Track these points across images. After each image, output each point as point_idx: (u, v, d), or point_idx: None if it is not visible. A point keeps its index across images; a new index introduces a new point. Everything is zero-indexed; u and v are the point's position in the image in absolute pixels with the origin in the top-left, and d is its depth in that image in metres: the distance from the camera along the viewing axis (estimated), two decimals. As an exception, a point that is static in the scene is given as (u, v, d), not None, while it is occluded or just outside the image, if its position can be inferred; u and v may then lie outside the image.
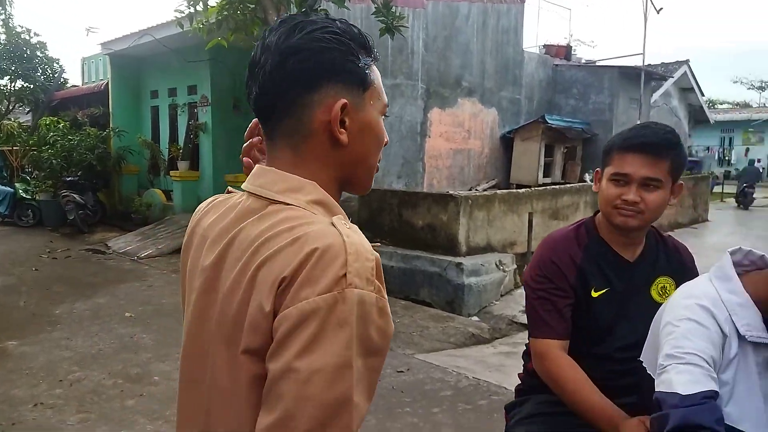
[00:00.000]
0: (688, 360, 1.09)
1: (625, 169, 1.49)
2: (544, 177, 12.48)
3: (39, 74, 16.00)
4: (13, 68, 15.47)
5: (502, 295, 6.69)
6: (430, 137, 10.91)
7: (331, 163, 0.89)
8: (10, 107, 16.58)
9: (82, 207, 11.11)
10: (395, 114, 10.09)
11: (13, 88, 16.05)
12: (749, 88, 41.52)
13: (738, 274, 1.21)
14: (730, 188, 23.13)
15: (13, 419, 3.37)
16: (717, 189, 19.51)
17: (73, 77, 18.17)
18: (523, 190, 7.87)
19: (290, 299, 0.73)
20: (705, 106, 19.68)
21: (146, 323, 5.38)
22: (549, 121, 12.17)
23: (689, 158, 25.23)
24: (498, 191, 7.39)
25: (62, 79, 16.67)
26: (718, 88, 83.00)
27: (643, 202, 1.48)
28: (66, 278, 7.21)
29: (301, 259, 0.75)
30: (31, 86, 15.74)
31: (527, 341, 1.64)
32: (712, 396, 1.03)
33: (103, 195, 12.92)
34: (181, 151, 11.79)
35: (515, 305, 6.29)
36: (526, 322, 1.56)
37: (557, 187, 8.42)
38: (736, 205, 17.26)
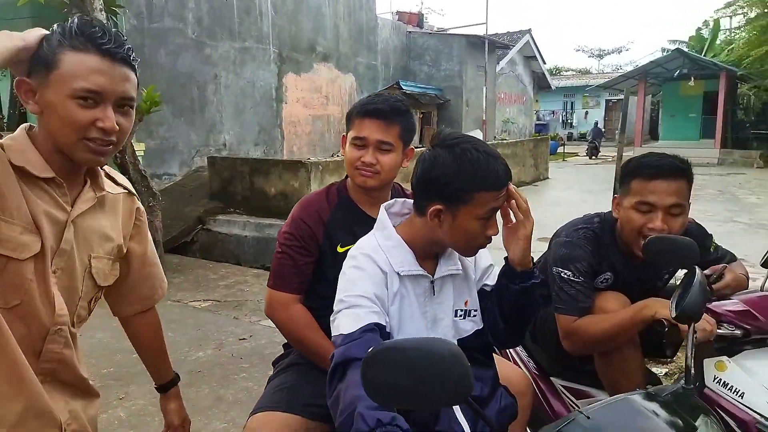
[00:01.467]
0: (352, 303, 1.23)
1: (362, 133, 1.63)
2: (401, 141, 12.96)
3: None
4: None
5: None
6: (287, 103, 10.77)
7: (39, 127, 1.11)
8: None
9: None
10: (247, 79, 9.80)
11: None
12: (590, 56, 45.85)
13: (400, 224, 1.41)
14: (572, 148, 25.69)
15: None
16: (561, 150, 21.60)
17: None
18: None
19: None
20: (546, 73, 21.44)
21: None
22: (404, 87, 12.57)
23: (537, 122, 27.54)
24: (348, 157, 7.55)
25: None
26: (564, 55, 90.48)
27: (379, 163, 1.63)
28: None
29: None
30: None
31: None
32: (371, 329, 1.18)
33: None
34: (5, 121, 10.50)
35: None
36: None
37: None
38: (588, 156, 20.96)
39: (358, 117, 1.65)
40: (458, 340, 1.36)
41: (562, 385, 2.11)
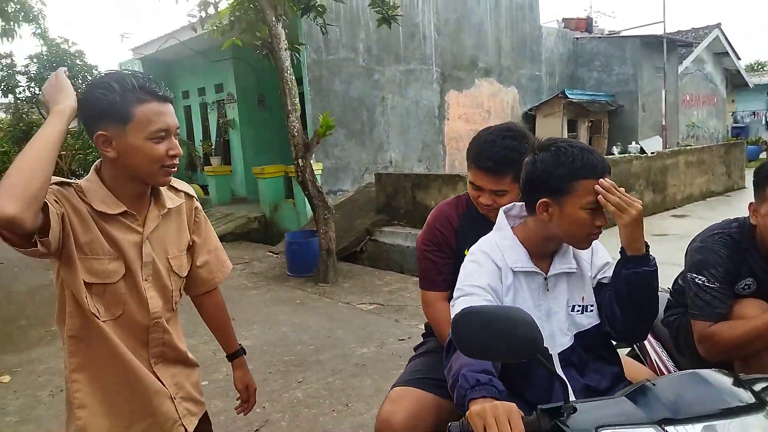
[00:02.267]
0: (468, 291, 1.41)
1: (477, 182, 1.77)
2: (568, 152, 12.51)
3: (80, 81, 16.96)
4: (57, 78, 16.46)
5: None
6: (448, 120, 11.11)
7: (109, 166, 1.38)
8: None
9: (125, 205, 11.90)
10: (411, 99, 10.34)
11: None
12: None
13: (518, 225, 1.52)
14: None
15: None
16: (765, 155, 18.93)
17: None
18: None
19: None
20: (742, 70, 18.99)
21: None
22: (570, 96, 12.17)
23: (734, 125, 24.36)
24: (507, 168, 7.58)
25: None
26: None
27: (495, 203, 1.75)
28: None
29: None
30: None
31: None
32: None
33: (146, 193, 13.75)
34: (213, 147, 12.39)
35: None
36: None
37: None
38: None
39: (471, 167, 1.80)
40: (577, 334, 1.45)
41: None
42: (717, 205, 10.85)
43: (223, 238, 9.49)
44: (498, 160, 1.72)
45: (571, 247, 1.49)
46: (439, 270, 1.88)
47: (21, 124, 16.33)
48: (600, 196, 1.33)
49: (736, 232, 1.86)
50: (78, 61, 17.00)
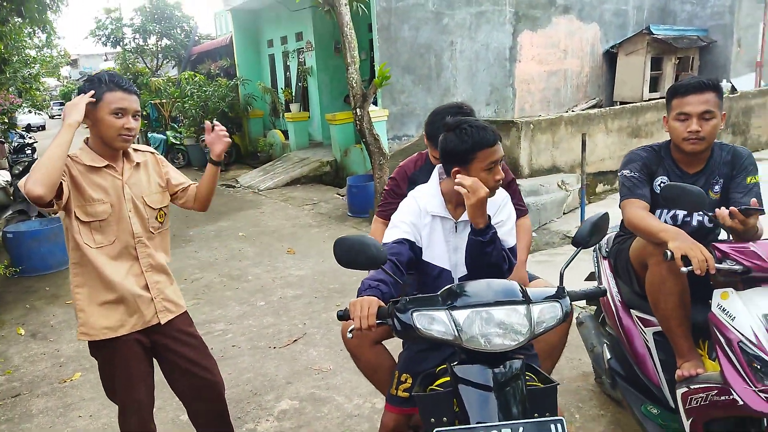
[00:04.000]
0: (395, 224, 1.89)
1: (434, 153, 2.24)
2: (650, 92, 11.95)
3: (178, 32, 18.25)
4: (157, 29, 17.85)
5: (564, 213, 7.12)
6: (520, 62, 10.99)
7: (92, 136, 2.08)
8: (160, 64, 19.20)
9: (218, 149, 13.04)
10: (481, 42, 10.35)
11: (159, 47, 18.55)
12: None
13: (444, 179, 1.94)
14: None
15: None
16: None
17: (209, 31, 20.30)
18: (594, 110, 7.97)
19: None
20: None
21: (252, 240, 6.78)
22: (655, 32, 11.53)
23: None
24: (564, 114, 7.60)
25: (198, 35, 18.83)
26: None
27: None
28: (201, 208, 8.95)
29: None
30: (173, 43, 18.06)
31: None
32: (401, 242, 1.81)
33: (237, 137, 14.87)
34: (293, 94, 13.14)
35: (573, 221, 6.73)
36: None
37: (638, 104, 8.32)
38: None
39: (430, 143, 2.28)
40: None
41: (637, 316, 2.39)
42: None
43: (297, 181, 10.35)
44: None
45: None
46: (389, 204, 2.46)
47: (128, 73, 17.96)
48: (456, 184, 1.74)
49: (657, 144, 2.36)
50: (177, 12, 18.28)
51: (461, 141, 1.77)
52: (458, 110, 2.29)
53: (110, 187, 2.06)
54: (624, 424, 2.76)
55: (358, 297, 1.58)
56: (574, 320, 3.20)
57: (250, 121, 14.63)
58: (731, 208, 1.87)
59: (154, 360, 2.29)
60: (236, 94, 14.27)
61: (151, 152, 2.27)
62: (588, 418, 2.85)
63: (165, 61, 19.23)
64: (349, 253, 1.47)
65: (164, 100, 15.68)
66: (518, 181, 7.22)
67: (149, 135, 15.29)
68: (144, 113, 14.44)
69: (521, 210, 2.52)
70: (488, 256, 1.77)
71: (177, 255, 6.25)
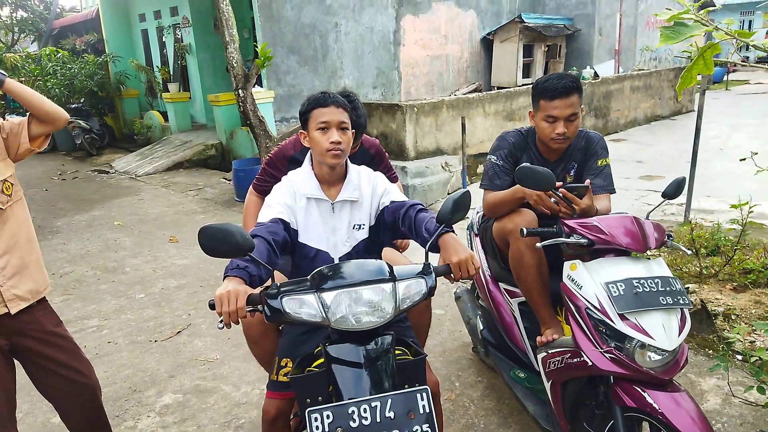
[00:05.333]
0: (269, 204, 1.90)
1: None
2: (523, 78, 12.72)
3: (36, 2, 16.45)
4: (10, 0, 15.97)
5: (449, 193, 7.45)
6: (404, 45, 11.21)
7: None
8: (16, 39, 17.22)
9: (87, 132, 12.04)
10: (366, 25, 10.40)
11: (14, 19, 16.62)
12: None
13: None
14: (745, 75, 22.59)
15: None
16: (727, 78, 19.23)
17: (72, 4, 18.51)
18: (473, 95, 8.36)
19: None
20: (709, -10, 18.89)
21: (130, 229, 6.38)
22: (526, 20, 12.25)
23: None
24: (445, 98, 7.90)
25: (60, 7, 17.10)
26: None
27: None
28: (70, 196, 8.25)
29: None
30: (31, 16, 16.26)
31: None
32: (276, 221, 1.83)
33: (110, 119, 13.81)
34: (171, 73, 12.42)
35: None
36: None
37: (512, 89, 8.84)
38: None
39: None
40: (354, 245, 1.95)
41: (504, 288, 2.59)
42: (658, 128, 11.35)
43: (180, 165, 9.86)
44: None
45: (355, 180, 1.97)
46: (265, 181, 2.55)
47: None
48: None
49: (525, 130, 2.51)
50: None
51: (303, 105, 1.94)
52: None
53: None
54: (498, 389, 2.99)
55: (224, 277, 1.57)
56: (453, 294, 3.39)
57: (124, 101, 13.65)
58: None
59: (17, 362, 2.11)
60: (106, 72, 13.23)
61: None
62: (467, 386, 3.05)
63: (22, 36, 17.27)
64: (212, 241, 1.44)
65: (23, 79, 14.13)
66: (404, 164, 7.41)
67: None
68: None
69: (393, 177, 2.72)
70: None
71: (43, 248, 5.71)
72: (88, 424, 2.30)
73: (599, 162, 2.42)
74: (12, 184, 2.03)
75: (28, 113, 2.09)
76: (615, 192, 2.44)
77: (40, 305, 2.13)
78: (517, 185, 2.24)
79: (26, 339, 2.06)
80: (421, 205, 1.89)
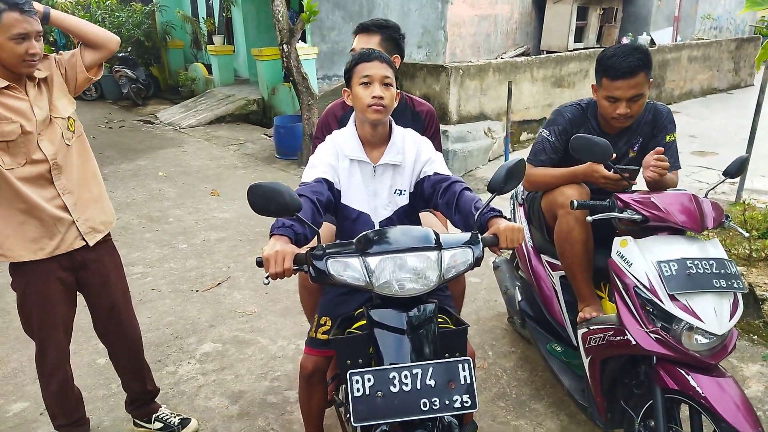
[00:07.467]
0: (313, 164, 1.88)
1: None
2: (575, 42, 12.22)
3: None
4: (62, -55, 16.08)
5: (490, 160, 7.31)
6: (452, 4, 10.87)
7: None
8: (66, -16, 17.43)
9: (134, 81, 12.22)
10: (413, -19, 10.12)
11: (65, -34, 16.78)
12: None
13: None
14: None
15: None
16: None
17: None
18: (521, 58, 8.08)
19: None
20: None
21: (173, 180, 6.52)
22: (582, -19, 11.69)
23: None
24: (492, 61, 7.66)
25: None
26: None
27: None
28: (117, 145, 8.45)
29: None
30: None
31: None
32: (320, 181, 1.81)
33: (156, 69, 13.96)
34: (216, 25, 12.40)
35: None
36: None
37: (562, 54, 8.51)
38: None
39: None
40: (396, 210, 1.92)
41: (546, 260, 2.54)
42: (714, 102, 10.81)
43: (222, 119, 9.95)
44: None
45: (399, 142, 1.92)
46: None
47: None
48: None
49: (585, 103, 2.37)
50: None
51: (348, 64, 1.87)
52: None
53: (17, 108, 1.91)
54: (531, 361, 2.97)
55: (270, 236, 1.58)
56: (491, 264, 3.36)
57: (169, 52, 13.75)
58: (658, 152, 2.00)
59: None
60: (153, 22, 13.29)
61: (48, 58, 2.08)
62: (500, 355, 3.05)
63: (72, -19, 17.46)
64: (262, 200, 1.43)
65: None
66: (446, 128, 7.29)
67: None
68: (51, 39, 13.17)
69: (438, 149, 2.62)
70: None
71: (90, 195, 5.92)
72: (132, 369, 2.43)
73: (668, 137, 2.29)
74: (74, 120, 2.09)
75: (79, 43, 2.12)
76: (681, 168, 2.33)
77: (106, 244, 2.23)
78: (568, 171, 2.18)
79: (93, 276, 2.17)
80: (465, 183, 1.85)
